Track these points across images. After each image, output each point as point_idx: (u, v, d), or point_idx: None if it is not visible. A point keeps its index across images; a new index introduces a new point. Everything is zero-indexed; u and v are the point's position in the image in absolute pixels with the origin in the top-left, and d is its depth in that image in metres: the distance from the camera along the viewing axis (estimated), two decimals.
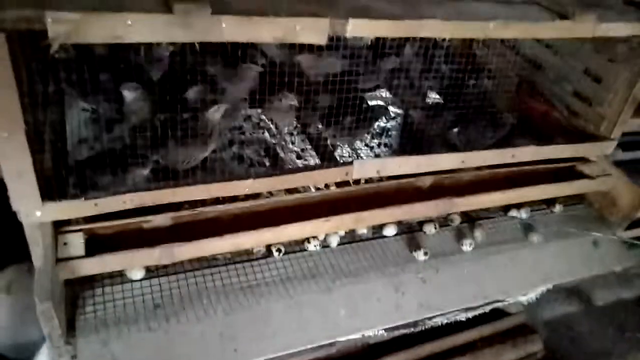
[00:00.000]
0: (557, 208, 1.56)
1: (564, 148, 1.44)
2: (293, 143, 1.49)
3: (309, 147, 1.46)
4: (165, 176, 1.05)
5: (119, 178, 1.04)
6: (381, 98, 1.53)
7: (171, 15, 0.81)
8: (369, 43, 1.36)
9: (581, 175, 1.54)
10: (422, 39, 1.17)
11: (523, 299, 1.43)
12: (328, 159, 1.27)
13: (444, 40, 1.13)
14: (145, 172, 1.11)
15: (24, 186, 0.87)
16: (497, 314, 1.62)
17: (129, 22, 0.79)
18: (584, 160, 1.56)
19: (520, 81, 1.60)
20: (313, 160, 1.41)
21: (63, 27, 0.75)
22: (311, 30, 0.92)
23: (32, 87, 0.88)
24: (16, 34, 0.77)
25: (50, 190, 0.92)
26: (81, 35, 0.77)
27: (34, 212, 0.91)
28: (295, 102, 1.28)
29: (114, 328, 1.02)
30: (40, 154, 0.90)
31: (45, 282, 0.91)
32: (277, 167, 1.37)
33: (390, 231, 1.34)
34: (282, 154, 1.44)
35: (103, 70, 1.21)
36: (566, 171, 1.54)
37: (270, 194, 1.25)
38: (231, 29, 0.86)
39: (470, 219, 1.47)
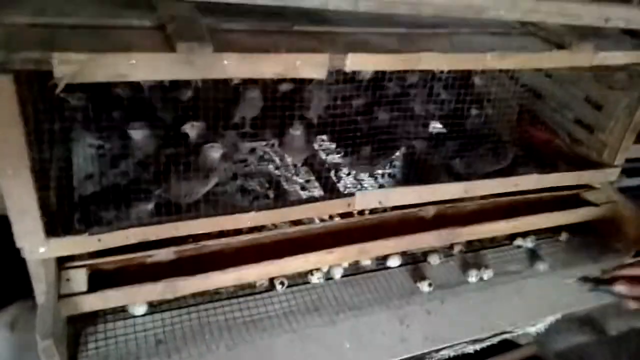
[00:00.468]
0: (563, 236, 1.54)
1: (567, 176, 1.44)
2: (297, 175, 1.50)
3: (313, 178, 1.47)
4: (169, 211, 1.06)
5: (123, 213, 1.05)
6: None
7: (174, 53, 0.83)
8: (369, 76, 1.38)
9: (586, 203, 1.53)
10: (421, 70, 1.19)
11: (532, 329, 1.41)
12: (331, 191, 1.27)
13: (442, 72, 1.15)
14: (149, 207, 1.12)
15: (28, 223, 0.88)
16: (507, 345, 1.59)
17: (133, 61, 0.81)
18: (588, 187, 1.56)
19: (521, 110, 1.62)
20: (317, 192, 1.41)
21: (69, 68, 0.77)
22: (311, 65, 0.94)
23: (39, 124, 0.90)
24: (24, 73, 0.79)
25: (54, 226, 0.93)
26: (86, 75, 0.79)
27: (37, 248, 0.91)
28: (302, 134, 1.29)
29: None
30: (45, 190, 0.91)
31: (47, 318, 0.91)
32: (281, 199, 1.38)
33: (394, 262, 1.34)
34: (286, 186, 1.45)
35: (112, 108, 1.23)
36: (571, 199, 1.54)
37: (275, 226, 1.26)
38: (233, 66, 0.88)
39: (475, 249, 1.46)
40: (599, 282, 1.02)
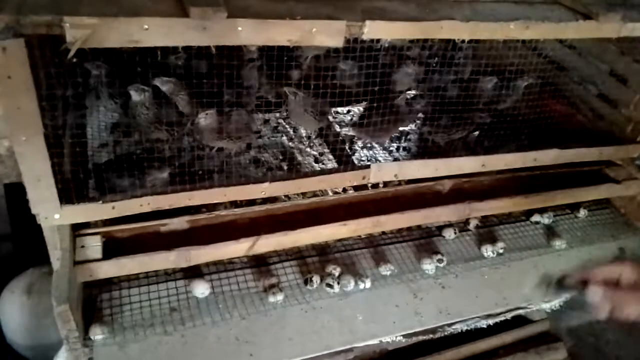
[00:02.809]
0: (582, 213, 1.51)
1: (588, 151, 1.40)
2: (311, 147, 1.49)
3: (327, 150, 1.46)
4: (183, 180, 1.05)
5: (139, 181, 1.04)
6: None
7: (187, 19, 0.81)
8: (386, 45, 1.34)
9: (606, 179, 1.50)
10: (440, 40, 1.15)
11: (546, 306, 1.39)
12: (345, 163, 1.26)
13: (463, 41, 1.11)
14: (164, 175, 1.12)
15: (42, 190, 0.88)
16: (520, 321, 1.58)
17: (146, 26, 0.79)
18: (609, 163, 1.52)
19: (543, 83, 1.57)
20: (331, 164, 1.40)
21: (81, 32, 0.76)
22: (327, 33, 0.91)
23: (53, 90, 0.89)
24: (36, 38, 0.78)
25: (68, 194, 0.93)
26: (98, 40, 0.78)
27: (52, 215, 0.92)
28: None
29: (131, 331, 1.02)
30: (59, 157, 0.91)
31: (62, 284, 0.92)
32: (295, 171, 1.37)
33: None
34: (300, 158, 1.44)
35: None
36: (591, 175, 1.50)
37: (288, 197, 1.25)
38: (247, 32, 0.86)
39: (491, 224, 1.44)
40: (564, 284, 0.86)
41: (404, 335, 1.17)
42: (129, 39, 0.80)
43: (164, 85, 1.18)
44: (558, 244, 1.40)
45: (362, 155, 1.46)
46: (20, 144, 0.83)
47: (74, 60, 0.81)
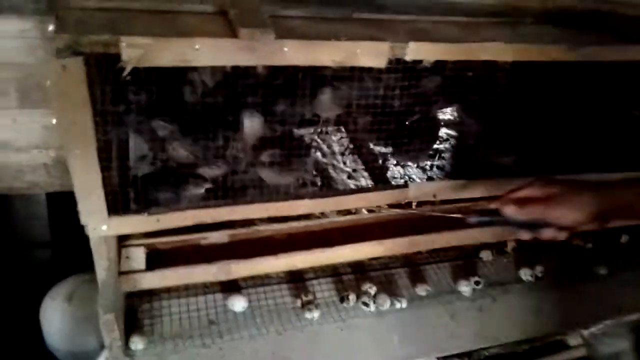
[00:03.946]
0: (624, 238, 1.48)
1: (630, 175, 1.37)
2: (345, 163, 1.49)
3: (361, 167, 1.46)
4: (225, 194, 1.07)
5: (182, 195, 1.07)
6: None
7: (236, 39, 0.83)
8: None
9: None
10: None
11: (584, 332, 1.36)
12: (381, 181, 1.26)
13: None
14: (201, 190, 1.14)
15: (92, 201, 0.91)
16: (556, 346, 1.55)
17: (197, 46, 0.82)
18: None
19: (579, 104, 1.54)
20: (365, 181, 1.40)
21: (135, 51, 0.79)
22: (371, 54, 0.93)
23: (106, 106, 0.92)
24: (92, 57, 0.82)
25: (116, 206, 0.96)
26: (151, 59, 0.80)
27: (100, 226, 0.94)
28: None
29: (170, 342, 1.04)
30: (108, 170, 0.94)
31: (108, 294, 0.94)
32: (329, 187, 1.37)
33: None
34: (334, 174, 1.44)
35: None
36: None
37: (323, 214, 1.26)
38: (293, 53, 0.88)
39: (530, 247, 1.42)
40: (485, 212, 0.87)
41: (439, 358, 1.16)
42: (181, 58, 0.83)
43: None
44: (599, 269, 1.37)
45: (397, 172, 1.46)
46: (74, 157, 0.86)
47: (128, 78, 0.84)
